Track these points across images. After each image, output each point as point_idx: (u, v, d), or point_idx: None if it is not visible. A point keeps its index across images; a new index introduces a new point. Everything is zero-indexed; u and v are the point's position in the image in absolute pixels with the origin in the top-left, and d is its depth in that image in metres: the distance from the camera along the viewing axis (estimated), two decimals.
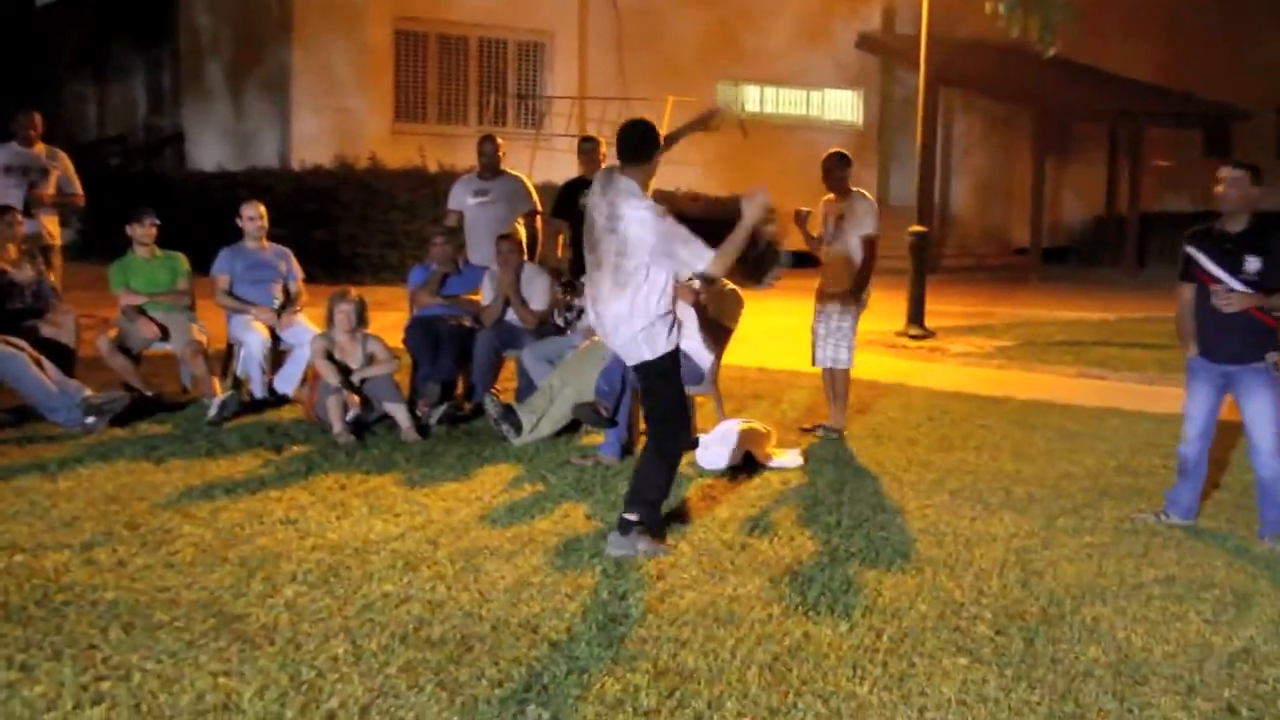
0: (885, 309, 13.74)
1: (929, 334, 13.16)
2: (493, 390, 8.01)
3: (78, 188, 9.73)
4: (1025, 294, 19.64)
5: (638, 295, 5.46)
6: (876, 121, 24.41)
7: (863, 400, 9.20)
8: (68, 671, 4.02)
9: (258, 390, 8.45)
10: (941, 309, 14.74)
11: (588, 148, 9.10)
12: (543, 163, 19.92)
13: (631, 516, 5.47)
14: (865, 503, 6.48)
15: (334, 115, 19.45)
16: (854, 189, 8.39)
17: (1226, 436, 6.95)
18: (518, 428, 7.47)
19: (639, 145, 5.60)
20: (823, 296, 8.27)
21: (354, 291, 8.15)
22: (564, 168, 20.23)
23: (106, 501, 6.02)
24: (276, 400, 8.54)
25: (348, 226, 17.78)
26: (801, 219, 8.14)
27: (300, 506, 6.04)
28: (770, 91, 23.21)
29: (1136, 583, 5.29)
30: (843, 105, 24.17)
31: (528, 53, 21.11)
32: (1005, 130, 25.96)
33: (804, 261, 15.36)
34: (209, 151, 21.04)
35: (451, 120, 20.48)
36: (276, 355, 8.66)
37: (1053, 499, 6.65)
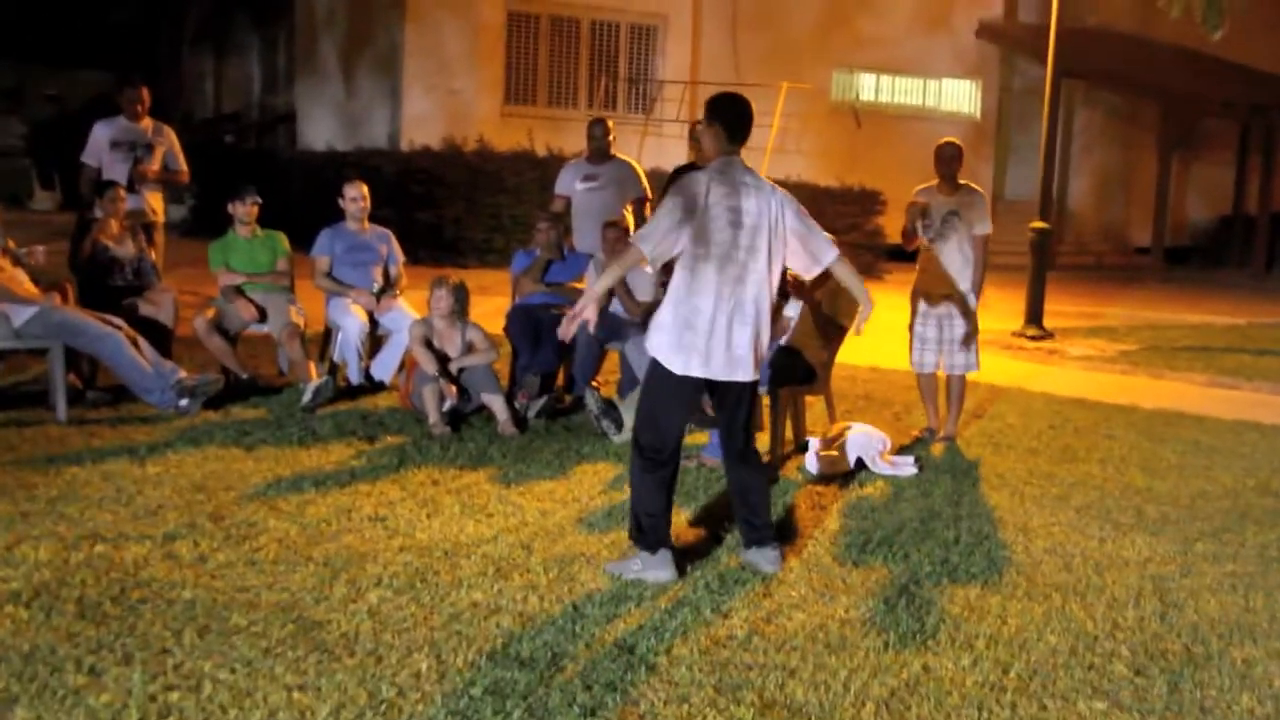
0: (1001, 308, 13.30)
1: (1047, 335, 12.62)
2: (594, 384, 7.71)
3: (183, 164, 9.60)
4: (1145, 294, 18.92)
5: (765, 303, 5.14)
6: (994, 113, 23.71)
7: (979, 405, 8.77)
8: (137, 678, 3.79)
9: (354, 376, 8.25)
10: (1058, 309, 14.15)
11: (695, 134, 8.74)
12: (652, 148, 19.63)
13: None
14: (985, 517, 6.08)
15: (444, 96, 19.31)
16: (964, 182, 7.94)
17: None
18: (619, 425, 7.16)
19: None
20: (928, 297, 7.80)
21: (455, 277, 7.91)
22: (674, 154, 19.97)
23: (193, 490, 5.83)
24: (373, 387, 8.33)
25: (453, 209, 17.61)
26: (918, 212, 7.67)
27: (390, 502, 5.80)
28: (886, 80, 22.61)
29: (1235, 622, 4.84)
30: (960, 96, 23.48)
31: (640, 35, 20.76)
32: (1128, 124, 25.12)
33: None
34: (320, 131, 21.06)
35: (561, 103, 20.22)
36: (374, 340, 8.45)
37: (1188, 521, 6.19)
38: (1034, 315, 12.83)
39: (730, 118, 5.09)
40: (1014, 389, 9.63)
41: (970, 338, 7.74)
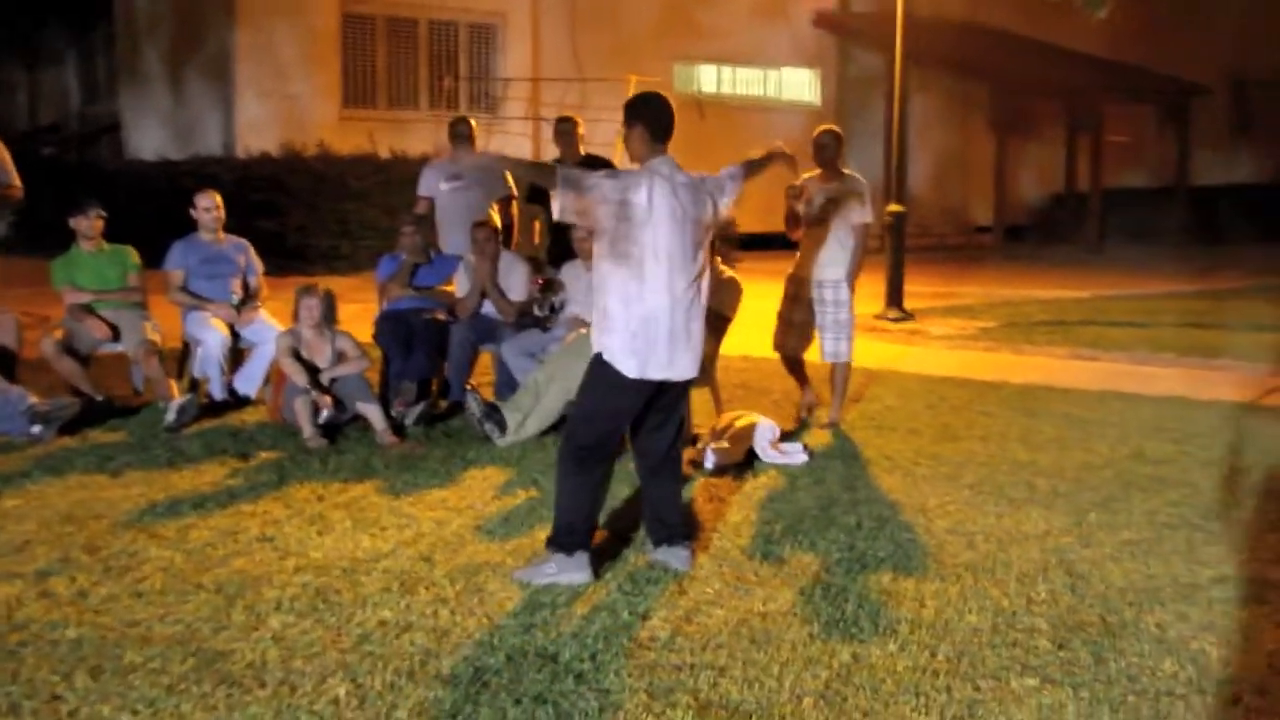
0: (858, 292, 13.37)
1: (909, 316, 12.78)
2: (470, 386, 7.51)
3: (15, 179, 8.98)
4: (991, 272, 19.34)
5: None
6: (834, 101, 24.01)
7: (857, 389, 8.77)
8: None
9: (217, 392, 7.90)
10: (910, 290, 14.23)
11: (566, 128, 8.61)
12: (497, 146, 19.39)
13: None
14: (882, 501, 6.06)
15: (280, 101, 18.77)
16: (846, 171, 7.96)
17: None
18: (502, 427, 6.98)
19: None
20: (802, 283, 7.79)
21: (321, 285, 7.63)
22: (517, 151, 19.77)
23: (61, 522, 5.48)
24: (237, 402, 7.99)
25: (296, 216, 17.13)
26: (796, 194, 7.62)
27: (276, 521, 5.53)
28: (727, 71, 22.73)
29: (1191, 583, 4.91)
30: (800, 85, 23.73)
31: (480, 35, 20.48)
32: (961, 108, 25.65)
33: (761, 244, 14.99)
34: (148, 140, 20.31)
35: (402, 104, 19.84)
36: (236, 354, 8.11)
37: (1077, 492, 6.25)
38: (894, 298, 12.98)
39: (649, 116, 4.98)
40: (887, 371, 9.69)
41: (842, 325, 7.73)
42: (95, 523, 5.46)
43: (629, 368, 4.85)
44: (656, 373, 4.90)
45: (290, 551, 5.12)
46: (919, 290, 14.99)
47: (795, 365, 7.94)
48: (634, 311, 4.85)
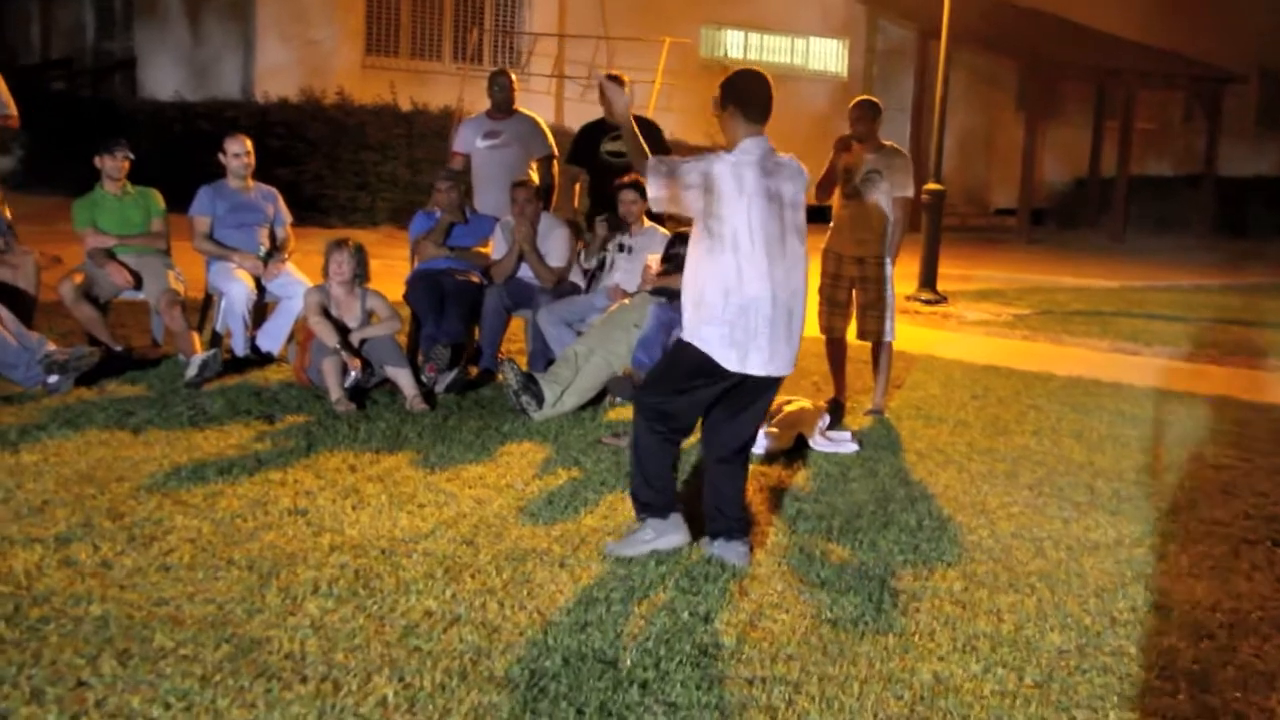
0: None
1: (942, 298, 12.47)
2: (503, 355, 7.20)
3: (12, 109, 8.50)
4: (1015, 256, 19.03)
5: None
6: (861, 73, 23.61)
7: (897, 374, 8.45)
8: None
9: (240, 347, 7.60)
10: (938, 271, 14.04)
11: None
12: (520, 103, 18.98)
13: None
14: (940, 498, 5.77)
15: (301, 46, 18.40)
16: (887, 142, 7.60)
17: None
18: (539, 400, 6.68)
19: None
20: (841, 259, 7.45)
21: (352, 238, 7.32)
22: (541, 108, 19.30)
23: (80, 482, 5.19)
24: (260, 359, 7.70)
25: (314, 165, 16.80)
26: (845, 145, 7.28)
27: (308, 493, 5.24)
28: (754, 37, 22.34)
29: None
30: (828, 55, 23.34)
31: None
32: (988, 87, 25.28)
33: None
34: (163, 79, 19.89)
35: (425, 55, 19.46)
36: (260, 308, 7.80)
37: (1141, 497, 5.97)
38: (928, 279, 12.67)
39: (745, 97, 4.73)
40: (926, 356, 9.39)
41: (885, 303, 7.43)
42: (117, 485, 5.17)
43: (729, 360, 4.58)
44: (757, 367, 4.62)
45: (324, 527, 4.82)
46: (945, 272, 14.65)
47: (837, 348, 7.61)
48: (732, 301, 4.56)
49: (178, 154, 14.35)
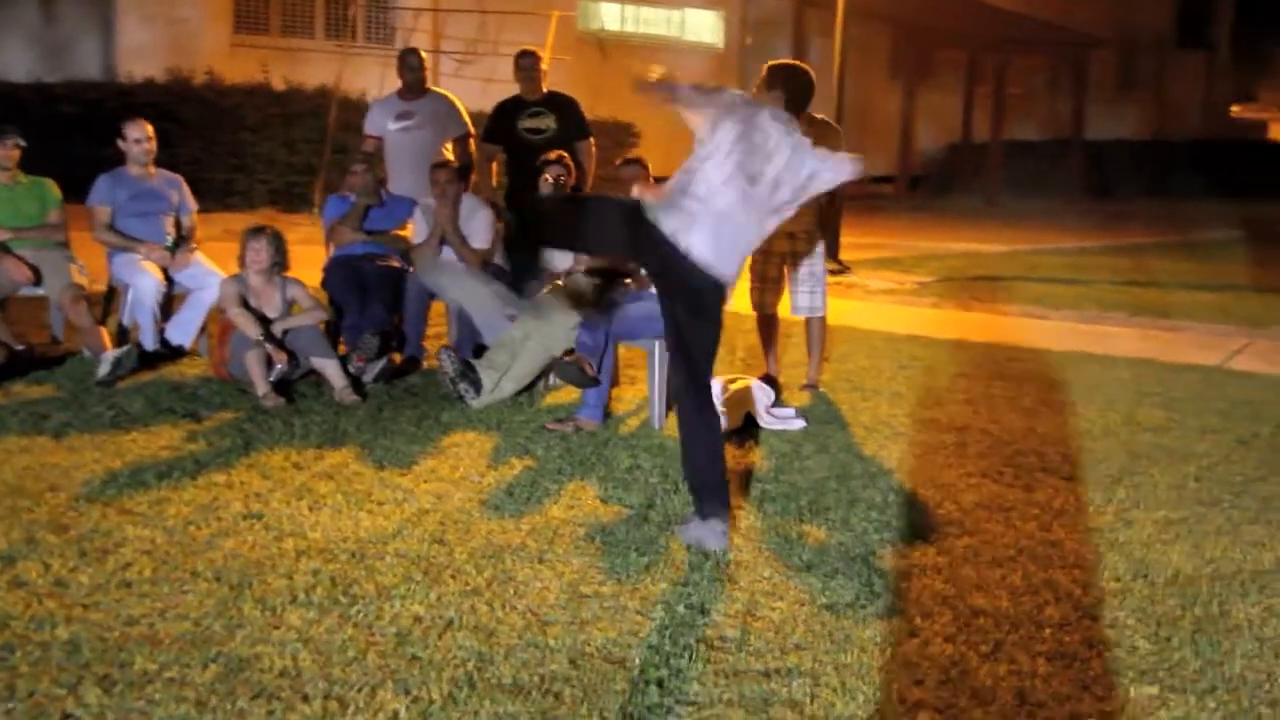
0: None
1: (846, 268, 12.50)
2: (447, 345, 6.98)
3: None
4: (900, 223, 19.22)
5: None
6: (737, 43, 23.60)
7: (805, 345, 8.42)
8: None
9: (149, 342, 7.25)
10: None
11: (528, 64, 8.06)
12: (394, 81, 18.56)
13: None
14: (898, 472, 5.72)
15: (166, 24, 17.76)
16: (819, 116, 7.53)
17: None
18: (478, 387, 6.48)
19: None
20: (772, 235, 7.36)
21: (269, 225, 7.02)
22: None
23: (10, 494, 4.87)
24: (170, 353, 7.35)
25: (188, 148, 16.19)
26: None
27: (258, 494, 4.99)
28: (630, 10, 22.16)
29: (1256, 570, 4.65)
30: (703, 26, 23.27)
31: None
32: (862, 55, 25.45)
33: None
34: (13, 60, 18.98)
35: (297, 33, 18.91)
36: (167, 300, 7.44)
37: (1090, 464, 5.99)
38: (831, 249, 12.67)
39: (794, 90, 5.03)
40: (844, 328, 9.37)
41: (817, 278, 7.38)
42: (52, 495, 4.86)
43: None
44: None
45: (284, 531, 4.59)
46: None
47: (770, 324, 7.53)
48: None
49: (41, 138, 13.68)
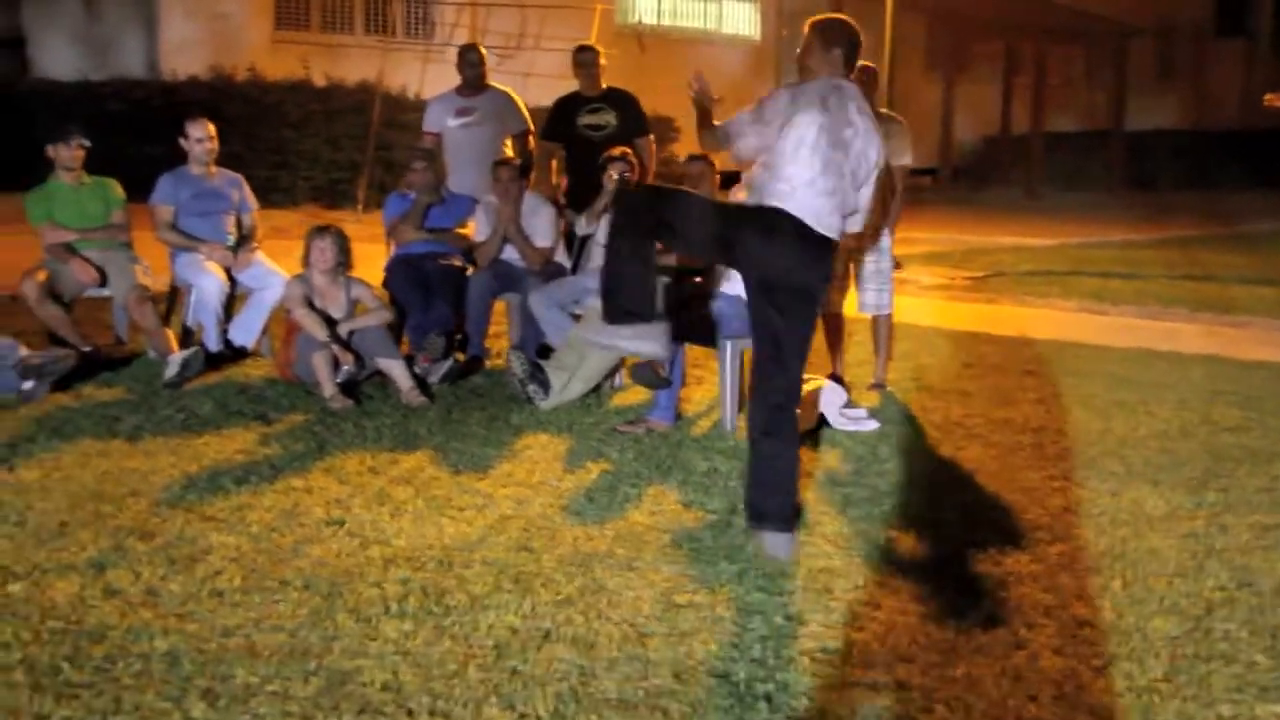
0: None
1: (898, 264, 12.33)
2: (515, 345, 6.92)
3: None
4: (943, 216, 19.04)
5: None
6: (774, 35, 23.47)
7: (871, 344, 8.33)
8: None
9: (212, 343, 7.21)
10: None
11: (588, 59, 7.98)
12: (434, 75, 18.55)
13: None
14: (979, 475, 5.63)
15: (209, 20, 17.72)
16: (884, 110, 7.45)
17: None
18: (546, 388, 6.42)
19: None
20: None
21: (333, 224, 6.98)
22: (457, 80, 18.93)
23: (93, 499, 4.83)
24: (234, 354, 7.31)
25: (231, 144, 16.01)
26: None
27: (339, 500, 4.94)
28: (668, 3, 22.05)
29: None
30: (740, 18, 23.14)
31: None
32: (899, 46, 25.26)
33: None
34: (58, 59, 19.02)
35: (337, 28, 18.87)
36: (230, 300, 7.40)
37: (1172, 465, 5.87)
38: None
39: (847, 44, 4.70)
40: (905, 325, 9.23)
41: (885, 275, 7.30)
42: (133, 501, 4.82)
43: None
44: None
45: (369, 539, 4.53)
46: None
47: (836, 322, 7.44)
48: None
49: (90, 138, 13.68)
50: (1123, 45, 25.20)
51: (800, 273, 4.49)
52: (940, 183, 23.01)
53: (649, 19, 21.80)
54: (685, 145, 19.04)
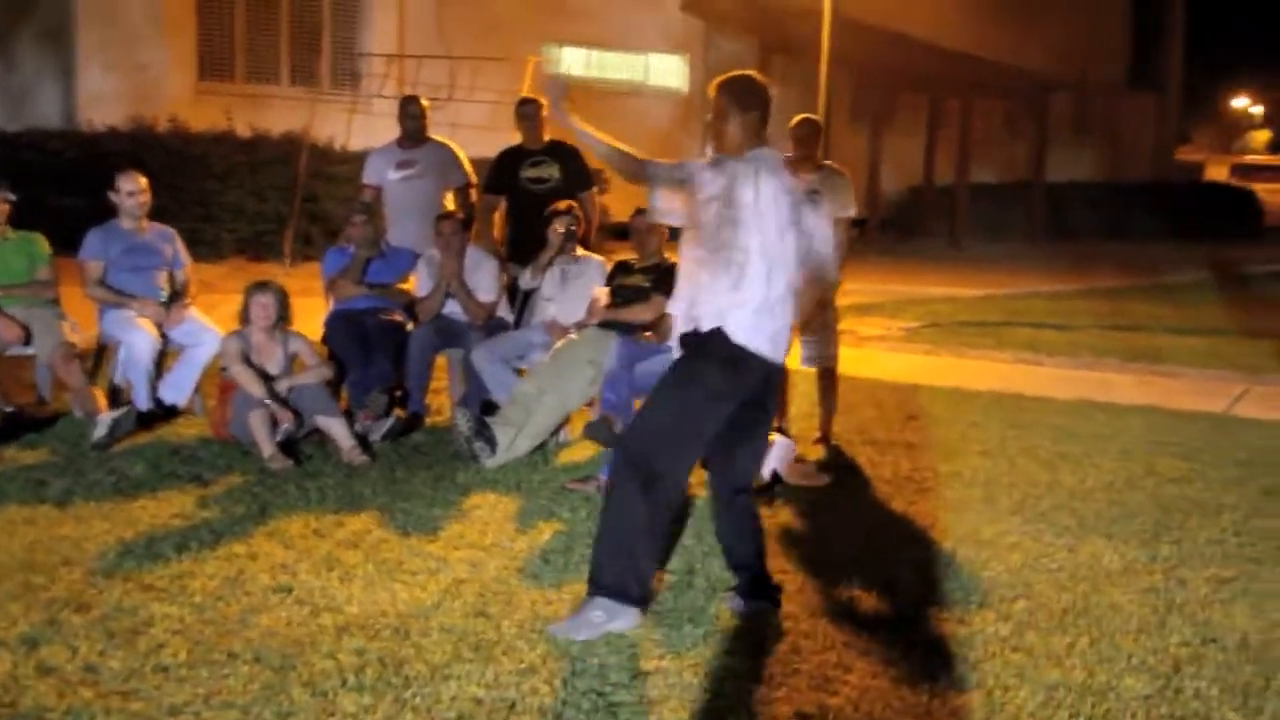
0: None
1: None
2: (462, 402, 6.78)
3: None
4: (866, 268, 19.11)
5: None
6: (700, 88, 23.57)
7: (816, 396, 8.28)
8: None
9: (142, 402, 6.96)
10: None
11: (529, 111, 7.89)
12: (361, 127, 18.40)
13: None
14: (934, 530, 5.58)
15: (129, 72, 17.39)
16: (827, 163, 7.47)
17: None
18: (493, 445, 6.28)
19: None
20: None
21: (274, 279, 6.81)
22: (384, 132, 18.76)
23: (22, 569, 4.61)
24: (164, 413, 7.08)
25: (155, 196, 15.82)
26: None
27: (284, 566, 4.76)
28: (595, 55, 22.04)
29: None
30: (668, 71, 23.14)
31: (344, 5, 19.41)
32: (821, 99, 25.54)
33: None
34: None
35: (262, 79, 18.65)
36: (159, 358, 7.18)
37: (1123, 518, 5.86)
38: None
39: (763, 105, 4.43)
40: (845, 377, 9.15)
41: (830, 328, 7.27)
42: (66, 570, 4.61)
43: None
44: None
45: (319, 606, 4.36)
46: None
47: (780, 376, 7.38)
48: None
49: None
50: (1042, 99, 25.64)
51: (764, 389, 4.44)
52: (869, 233, 23.19)
53: (577, 71, 21.78)
54: (615, 197, 19.06)
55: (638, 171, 4.30)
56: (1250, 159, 49.89)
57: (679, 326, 4.44)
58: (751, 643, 4.19)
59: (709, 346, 4.28)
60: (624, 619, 4.21)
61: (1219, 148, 76.98)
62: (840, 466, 6.68)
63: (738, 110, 4.40)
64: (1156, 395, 8.87)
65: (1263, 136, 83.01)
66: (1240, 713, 3.80)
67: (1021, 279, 17.51)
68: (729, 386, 4.27)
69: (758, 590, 4.47)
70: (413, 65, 19.23)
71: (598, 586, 4.24)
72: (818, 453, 6.99)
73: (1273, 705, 3.86)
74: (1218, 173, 45.98)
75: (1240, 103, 71.00)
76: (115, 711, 3.50)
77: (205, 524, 5.23)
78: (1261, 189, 33.39)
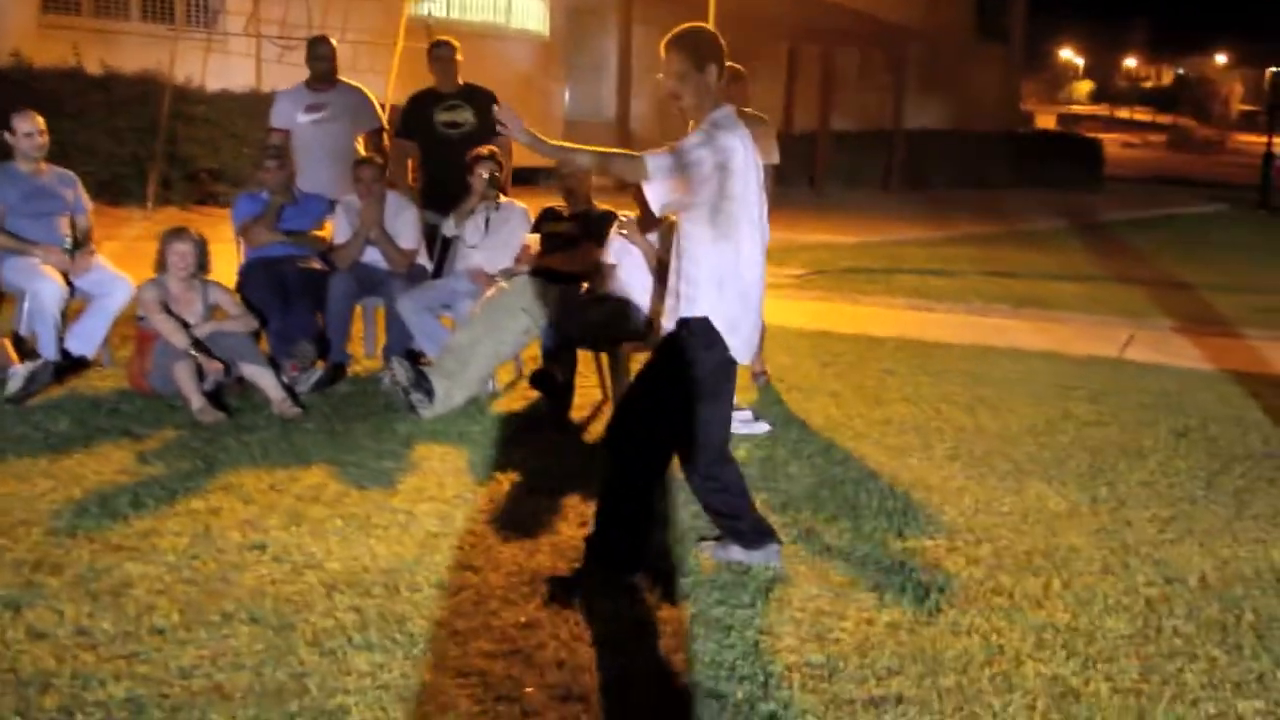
0: None
1: None
2: (405, 353, 6.64)
3: None
4: None
5: None
6: (563, 32, 23.37)
7: None
8: None
9: (50, 352, 6.64)
10: None
11: (444, 53, 7.72)
12: (217, 66, 17.81)
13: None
14: (882, 475, 5.66)
15: None
16: (749, 110, 7.45)
17: None
18: (431, 396, 6.17)
19: None
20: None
21: (193, 226, 6.56)
22: (240, 74, 18.19)
23: None
24: (71, 364, 6.79)
25: None
26: None
27: (250, 522, 4.62)
28: None
29: (1269, 566, 4.74)
30: (530, 13, 22.95)
31: None
32: None
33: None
34: None
35: (110, 14, 17.86)
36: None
37: (1055, 462, 6.04)
38: None
39: (718, 58, 4.25)
40: None
41: None
42: (25, 530, 4.41)
43: (742, 354, 4.28)
44: (745, 356, 4.34)
45: (298, 563, 4.25)
46: None
47: None
48: (735, 286, 4.24)
49: None
50: (900, 47, 26.05)
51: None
52: None
53: (439, 12, 21.38)
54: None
55: (639, 169, 4.12)
56: (1075, 109, 51.58)
57: (674, 315, 4.35)
58: (741, 592, 4.20)
59: (715, 350, 4.28)
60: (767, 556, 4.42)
61: (1045, 97, 79.68)
62: (775, 414, 6.71)
63: (693, 69, 4.18)
64: (1053, 341, 9.14)
65: (1085, 87, 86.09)
66: (1223, 649, 3.95)
67: (890, 226, 17.86)
68: (733, 378, 4.42)
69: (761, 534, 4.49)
70: (279, 3, 18.64)
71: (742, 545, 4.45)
72: (750, 396, 7.02)
73: (1249, 640, 4.02)
74: (1045, 121, 47.34)
75: (1066, 54, 73.18)
76: (124, 676, 3.37)
77: (154, 480, 5.05)
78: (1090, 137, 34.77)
